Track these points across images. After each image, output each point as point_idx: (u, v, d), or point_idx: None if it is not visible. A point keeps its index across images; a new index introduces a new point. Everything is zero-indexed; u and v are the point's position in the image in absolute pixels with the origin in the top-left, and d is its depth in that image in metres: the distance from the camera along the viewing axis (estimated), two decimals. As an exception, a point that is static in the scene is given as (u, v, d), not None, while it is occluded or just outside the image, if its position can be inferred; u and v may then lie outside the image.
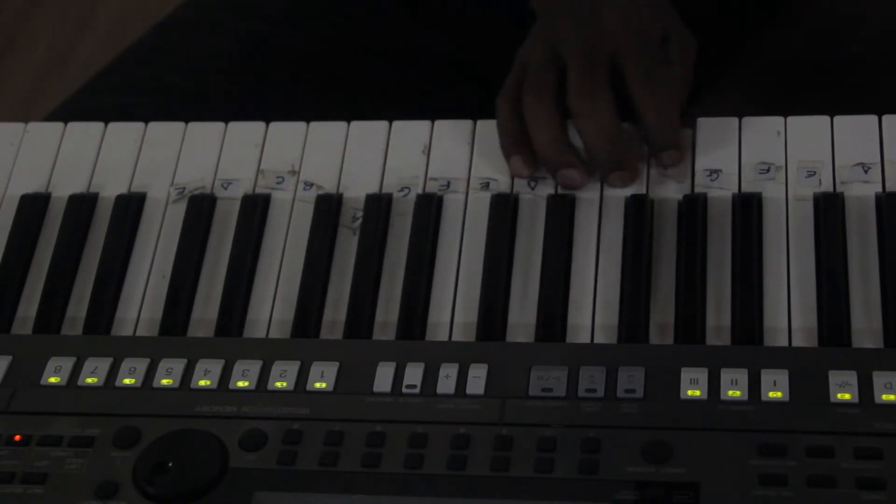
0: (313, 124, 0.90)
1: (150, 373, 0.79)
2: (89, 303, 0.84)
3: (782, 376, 0.75)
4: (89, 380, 0.79)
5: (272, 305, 0.83)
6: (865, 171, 0.83)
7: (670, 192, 0.84)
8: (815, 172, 0.83)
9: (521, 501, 0.72)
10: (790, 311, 0.79)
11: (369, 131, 0.89)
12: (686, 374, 0.76)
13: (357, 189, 0.87)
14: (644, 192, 0.84)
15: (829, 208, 0.81)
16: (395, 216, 0.85)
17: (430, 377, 0.77)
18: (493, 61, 0.94)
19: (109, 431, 0.76)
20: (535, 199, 0.85)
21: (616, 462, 0.72)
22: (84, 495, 0.74)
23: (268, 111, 0.92)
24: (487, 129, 0.88)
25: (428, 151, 0.88)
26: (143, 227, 0.87)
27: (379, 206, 0.85)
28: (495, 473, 0.73)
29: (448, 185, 0.86)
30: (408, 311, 0.81)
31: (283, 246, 0.85)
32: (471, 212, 0.85)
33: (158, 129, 0.91)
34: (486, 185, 0.86)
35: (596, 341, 0.79)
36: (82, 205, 0.88)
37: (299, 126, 0.90)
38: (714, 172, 0.84)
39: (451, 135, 0.88)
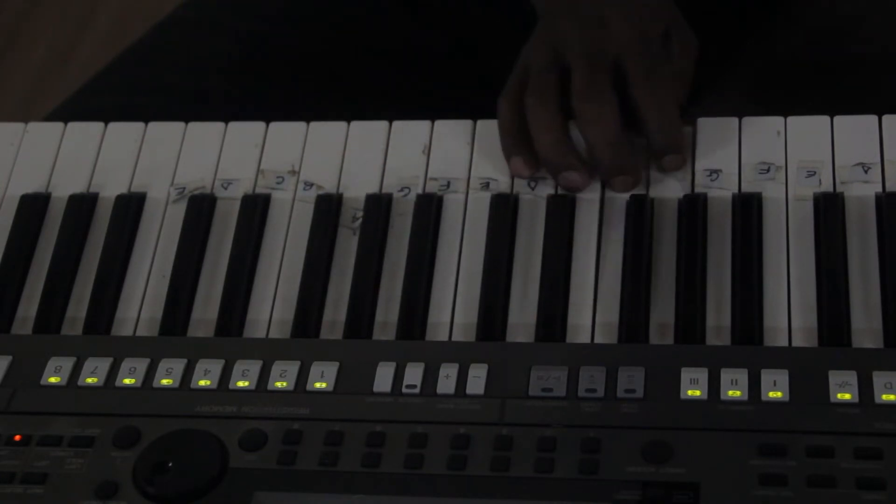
0: (313, 124, 0.90)
1: (150, 373, 0.79)
2: (89, 303, 0.84)
3: (782, 376, 0.75)
4: (89, 380, 0.79)
5: (272, 305, 0.83)
6: (865, 171, 0.83)
7: (670, 192, 0.84)
8: (815, 172, 0.83)
9: (521, 501, 0.72)
10: (790, 311, 0.79)
11: (369, 131, 0.89)
12: (686, 374, 0.76)
13: (357, 189, 0.87)
14: (644, 192, 0.84)
15: (829, 208, 0.81)
16: (395, 216, 0.85)
17: (430, 377, 0.77)
18: (494, 62, 0.94)
19: (109, 431, 0.76)
20: (535, 200, 0.85)
21: (616, 462, 0.72)
22: (84, 495, 0.74)
23: (268, 111, 0.92)
24: (487, 129, 0.88)
25: (428, 151, 0.88)
26: (143, 227, 0.87)
27: (379, 206, 0.85)
28: (495, 473, 0.73)
29: (448, 185, 0.86)
30: (408, 311, 0.81)
31: (283, 246, 0.85)
32: (471, 212, 0.85)
33: (158, 129, 0.91)
34: (486, 185, 0.86)
35: (596, 341, 0.79)
36: (82, 205, 0.88)
37: (299, 126, 0.90)
38: (714, 172, 0.84)
39: (451, 135, 0.88)
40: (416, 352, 0.79)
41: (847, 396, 0.74)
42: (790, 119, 0.86)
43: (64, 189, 0.89)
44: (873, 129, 0.84)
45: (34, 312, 0.84)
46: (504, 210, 0.84)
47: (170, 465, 0.75)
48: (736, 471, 0.71)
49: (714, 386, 0.75)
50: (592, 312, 0.80)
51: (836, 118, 0.85)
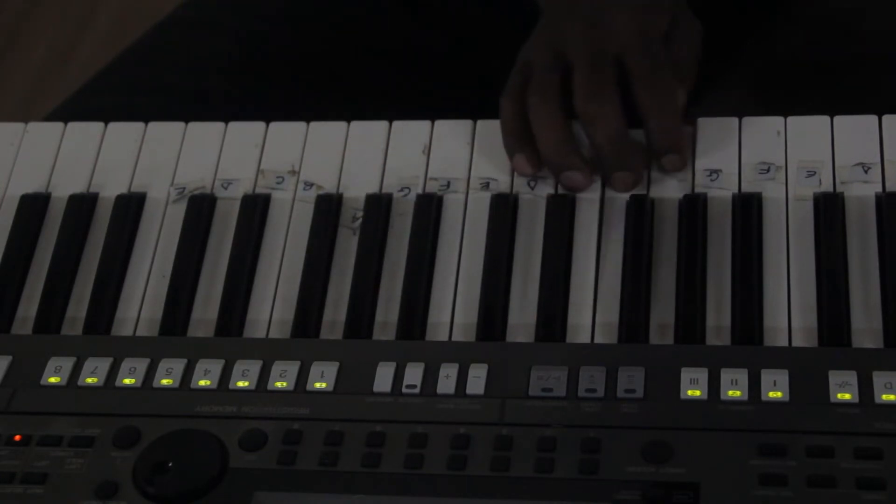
0: (313, 124, 0.90)
1: (150, 373, 0.79)
2: (89, 303, 0.84)
3: (782, 376, 0.75)
4: (89, 380, 0.79)
5: (272, 305, 0.83)
6: (865, 171, 0.83)
7: (670, 192, 0.84)
8: (815, 172, 0.83)
9: (521, 501, 0.72)
10: (790, 311, 0.79)
11: (369, 131, 0.89)
12: (686, 374, 0.76)
13: (357, 189, 0.87)
14: (644, 192, 0.84)
15: (829, 208, 0.81)
16: (395, 216, 0.85)
17: (430, 377, 0.77)
18: (493, 61, 0.94)
19: (109, 431, 0.76)
20: (535, 199, 0.85)
21: (616, 462, 0.72)
22: (84, 495, 0.74)
23: (268, 111, 0.92)
24: (487, 129, 0.88)
25: (428, 151, 0.88)
26: (143, 227, 0.87)
27: (379, 206, 0.85)
28: (495, 473, 0.73)
29: (448, 185, 0.86)
30: (408, 311, 0.81)
31: (283, 246, 0.85)
32: (471, 212, 0.85)
33: (158, 129, 0.91)
34: (486, 185, 0.86)
35: (596, 341, 0.79)
36: (82, 205, 0.88)
37: (299, 126, 0.90)
38: (714, 172, 0.84)
39: (451, 135, 0.88)
40: (416, 352, 0.79)
41: (847, 396, 0.74)
42: (790, 119, 0.86)
43: (64, 189, 0.89)
44: (873, 129, 0.84)
45: (34, 312, 0.84)
46: (504, 210, 0.84)
47: (170, 465, 0.75)
48: (736, 471, 0.71)
49: (714, 386, 0.75)
50: (592, 312, 0.80)
51: (836, 118, 0.85)
